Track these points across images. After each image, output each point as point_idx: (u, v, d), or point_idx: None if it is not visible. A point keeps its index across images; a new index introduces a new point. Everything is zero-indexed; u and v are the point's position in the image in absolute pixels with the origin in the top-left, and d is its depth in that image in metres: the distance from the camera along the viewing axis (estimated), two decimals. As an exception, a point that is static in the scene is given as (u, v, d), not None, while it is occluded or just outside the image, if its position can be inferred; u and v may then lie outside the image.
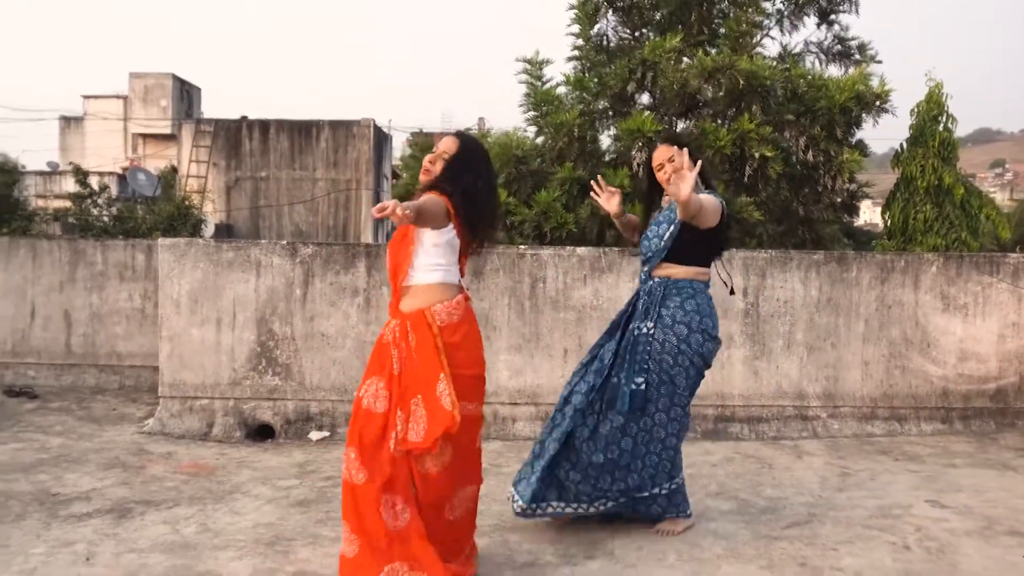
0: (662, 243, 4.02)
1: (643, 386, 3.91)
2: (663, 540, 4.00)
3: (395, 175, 33.16)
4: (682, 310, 3.97)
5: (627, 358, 3.96)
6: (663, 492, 4.04)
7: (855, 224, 10.86)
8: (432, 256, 3.43)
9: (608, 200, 4.29)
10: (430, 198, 3.35)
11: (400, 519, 3.27)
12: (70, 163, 16.43)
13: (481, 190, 3.54)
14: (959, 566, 3.71)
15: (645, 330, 3.95)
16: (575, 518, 4.15)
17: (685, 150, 4.01)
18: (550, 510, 4.07)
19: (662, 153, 4.11)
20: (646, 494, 4.01)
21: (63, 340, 7.92)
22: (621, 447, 3.95)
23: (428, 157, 3.61)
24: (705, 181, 4.17)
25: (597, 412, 3.98)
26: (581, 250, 6.26)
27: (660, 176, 4.11)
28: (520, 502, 4.04)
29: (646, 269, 4.13)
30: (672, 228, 4.00)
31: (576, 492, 4.02)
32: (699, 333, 3.97)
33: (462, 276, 3.57)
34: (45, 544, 3.86)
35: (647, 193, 4.36)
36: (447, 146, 3.59)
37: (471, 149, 3.61)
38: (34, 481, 4.88)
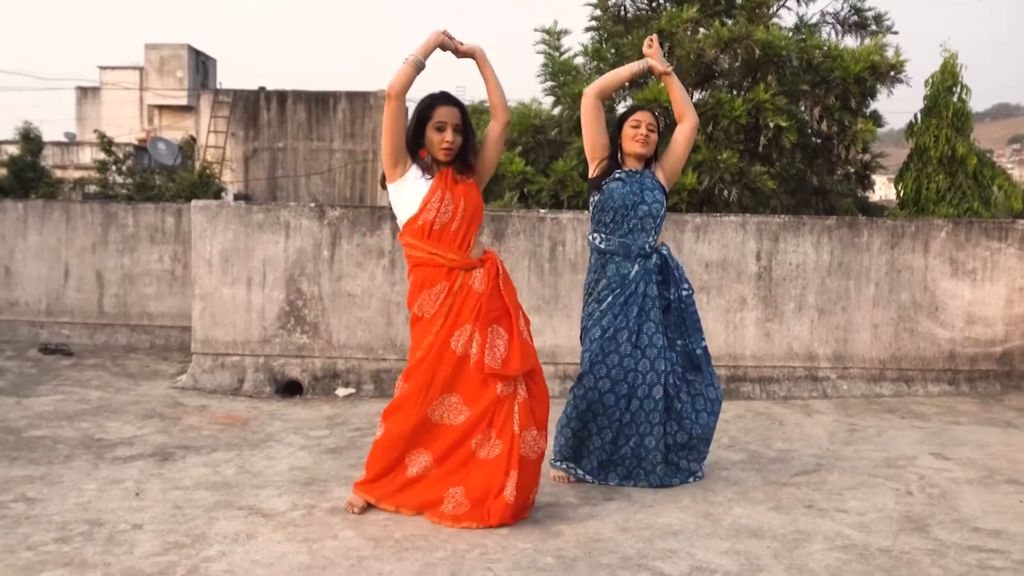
0: (663, 210, 4.27)
1: (704, 343, 4.34)
2: (678, 485, 4.22)
3: (411, 147, 33.26)
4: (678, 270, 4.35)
5: (685, 322, 4.26)
6: (697, 470, 4.37)
7: (869, 199, 10.97)
8: None
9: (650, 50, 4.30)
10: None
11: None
12: (95, 131, 16.69)
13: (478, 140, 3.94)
14: (959, 508, 3.92)
15: (685, 294, 4.26)
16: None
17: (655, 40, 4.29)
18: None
19: (648, 117, 4.26)
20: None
21: (96, 300, 8.18)
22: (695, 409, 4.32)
23: (446, 136, 3.67)
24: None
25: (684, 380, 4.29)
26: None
27: (631, 131, 4.22)
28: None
29: (654, 236, 4.24)
30: (661, 194, 4.26)
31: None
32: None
33: None
34: (95, 482, 4.11)
35: (612, 142, 4.35)
36: (457, 118, 3.72)
37: (466, 111, 3.84)
38: (78, 428, 5.14)
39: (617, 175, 4.22)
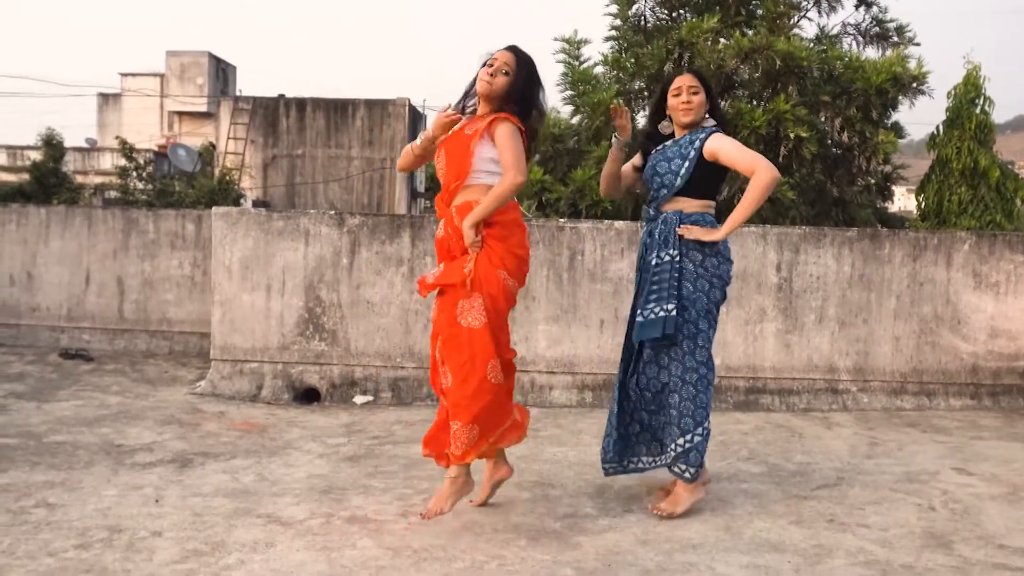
0: (677, 180, 3.93)
1: (674, 312, 3.85)
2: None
3: (429, 155, 33.29)
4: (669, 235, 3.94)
5: (652, 289, 3.90)
6: (677, 449, 3.93)
7: (889, 210, 10.91)
8: (490, 165, 3.72)
9: (621, 122, 4.07)
10: (510, 133, 3.66)
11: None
12: (116, 137, 16.84)
13: (542, 107, 3.85)
14: (982, 525, 3.87)
15: (668, 258, 3.90)
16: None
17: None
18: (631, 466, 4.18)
19: (686, 79, 3.97)
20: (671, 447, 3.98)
21: (116, 306, 8.22)
22: (660, 381, 3.98)
23: (486, 69, 3.71)
24: (713, 112, 4.06)
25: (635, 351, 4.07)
26: (619, 224, 6.43)
27: (673, 101, 3.98)
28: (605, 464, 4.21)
29: (655, 205, 4.03)
30: (688, 164, 3.91)
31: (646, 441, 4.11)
32: (714, 256, 3.94)
33: None
34: (115, 488, 4.12)
35: (652, 116, 4.20)
36: (507, 59, 3.73)
37: (531, 65, 3.79)
38: (98, 434, 5.16)
39: (667, 144, 4.06)
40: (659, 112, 4.15)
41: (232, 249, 6.49)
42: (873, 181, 9.62)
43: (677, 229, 3.91)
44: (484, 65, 3.76)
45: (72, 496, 3.98)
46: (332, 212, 6.57)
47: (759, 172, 3.79)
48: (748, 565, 3.36)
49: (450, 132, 3.82)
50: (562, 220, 6.55)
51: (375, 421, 5.76)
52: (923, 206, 10.13)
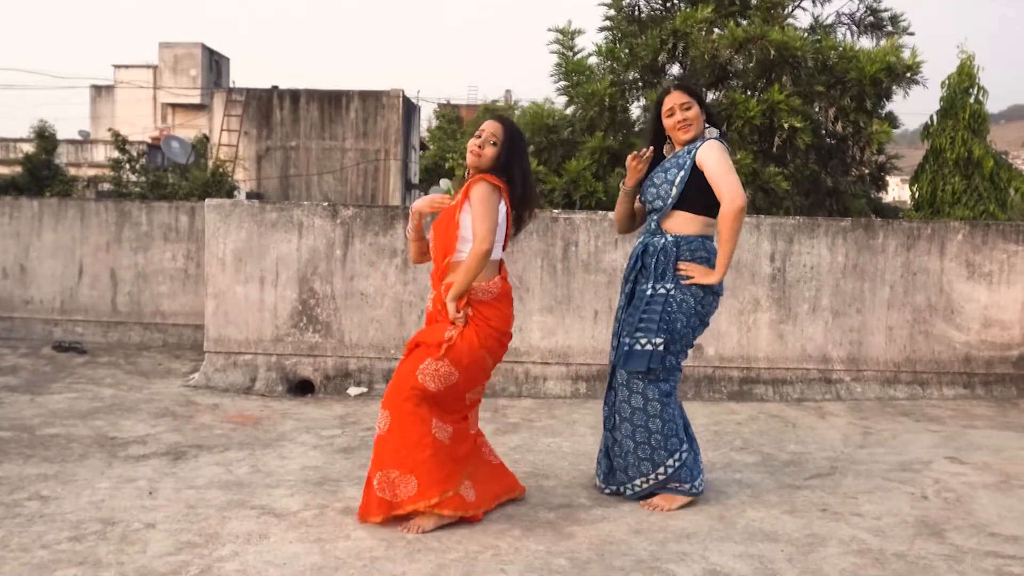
0: (673, 189, 3.84)
1: (661, 347, 3.81)
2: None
3: (423, 146, 33.30)
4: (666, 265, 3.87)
5: (643, 318, 3.84)
6: (668, 471, 3.88)
7: (883, 200, 10.91)
8: None
9: (637, 165, 3.99)
10: (485, 195, 3.59)
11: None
12: (109, 129, 16.77)
13: (530, 176, 3.82)
14: (975, 513, 3.89)
15: (663, 291, 3.83)
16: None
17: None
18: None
19: (675, 98, 3.90)
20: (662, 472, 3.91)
21: (109, 298, 8.21)
22: (632, 406, 3.91)
23: (475, 141, 3.72)
24: (711, 119, 4.00)
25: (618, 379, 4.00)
26: (613, 215, 6.40)
27: (668, 122, 3.92)
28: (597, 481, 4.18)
29: (655, 219, 3.93)
30: (683, 173, 3.83)
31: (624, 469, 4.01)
32: (712, 294, 3.88)
33: (503, 249, 3.81)
34: (109, 480, 4.12)
35: (651, 139, 4.10)
36: (494, 130, 3.73)
37: (518, 135, 3.79)
38: (92, 426, 5.15)
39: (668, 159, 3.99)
40: (657, 135, 4.08)
41: (225, 241, 6.48)
42: (867, 171, 9.62)
43: (676, 264, 3.84)
44: (473, 136, 3.78)
45: (66, 489, 3.97)
46: (325, 204, 6.56)
47: (723, 205, 3.74)
48: (741, 554, 3.37)
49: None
50: (556, 211, 6.54)
51: (369, 413, 5.75)
52: (917, 196, 10.14)
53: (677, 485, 3.90)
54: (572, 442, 5.06)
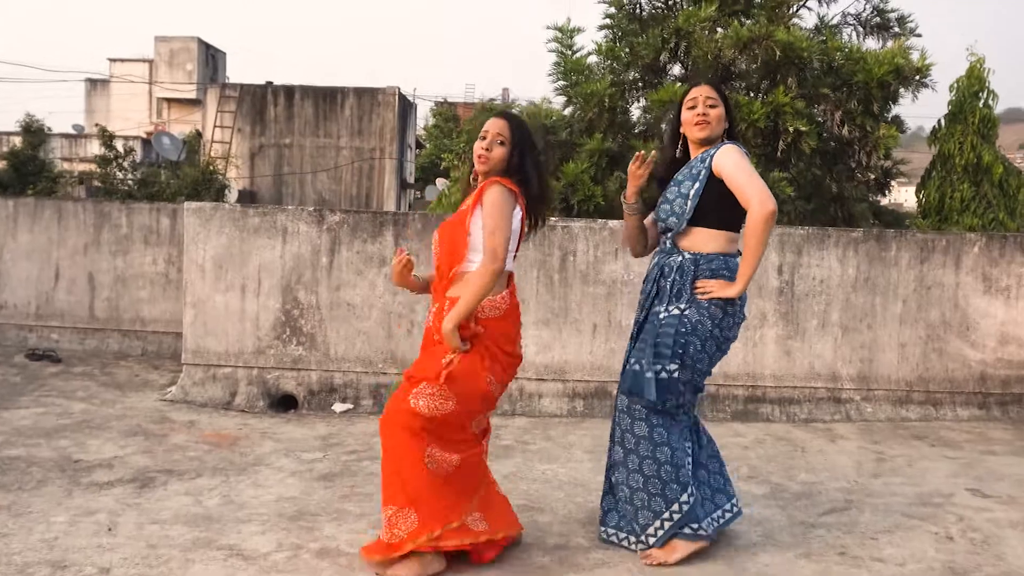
0: (687, 203, 3.46)
1: (676, 374, 3.40)
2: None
3: (419, 145, 33.00)
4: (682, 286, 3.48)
5: (656, 343, 3.43)
6: (684, 508, 3.46)
7: (880, 203, 10.60)
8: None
9: (638, 171, 3.57)
10: (501, 201, 3.25)
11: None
12: (96, 124, 16.42)
13: (545, 174, 3.45)
14: (1005, 558, 3.58)
15: (677, 312, 3.43)
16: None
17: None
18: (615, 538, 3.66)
19: (702, 91, 3.53)
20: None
21: (87, 303, 7.87)
22: (636, 434, 3.53)
23: (481, 144, 3.37)
24: (730, 133, 3.61)
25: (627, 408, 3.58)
26: (613, 223, 6.12)
27: (687, 114, 3.53)
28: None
29: (670, 236, 3.54)
30: (697, 185, 3.45)
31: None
32: (732, 316, 3.51)
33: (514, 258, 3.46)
34: (67, 512, 3.80)
35: (670, 141, 3.73)
36: (499, 128, 3.37)
37: (527, 130, 3.44)
38: (56, 447, 4.83)
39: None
40: (676, 137, 3.67)
41: (205, 247, 6.15)
42: (873, 176, 9.34)
43: (693, 283, 3.45)
44: (478, 139, 3.41)
45: (17, 523, 3.65)
46: (311, 208, 6.23)
47: (751, 210, 3.32)
48: (754, 608, 3.07)
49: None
50: (553, 218, 6.23)
51: (354, 432, 5.43)
52: (924, 203, 9.85)
53: (696, 527, 3.47)
54: (568, 469, 4.74)
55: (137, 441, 5.04)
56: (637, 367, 3.47)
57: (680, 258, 3.49)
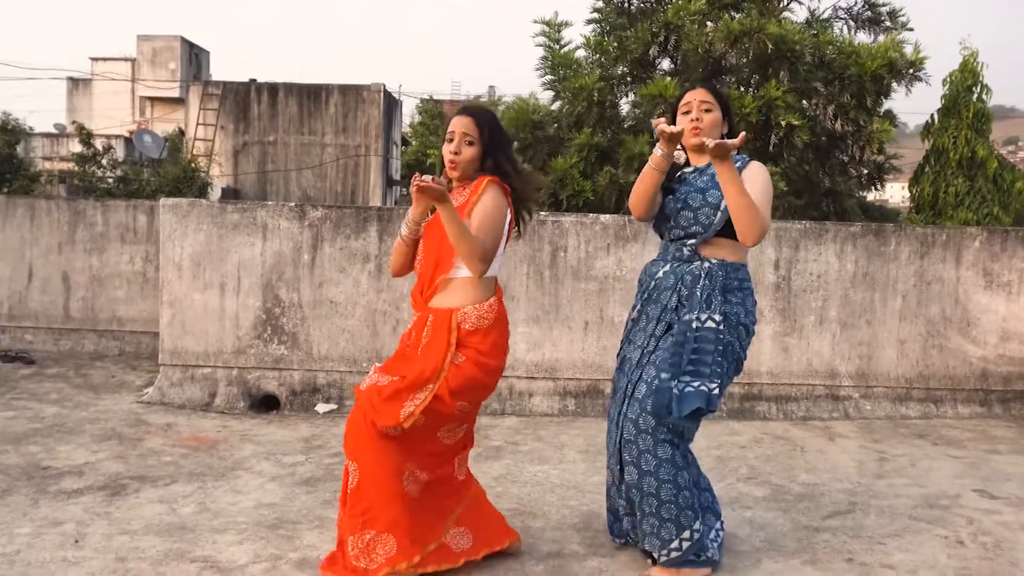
0: (717, 214, 3.23)
1: (716, 392, 3.16)
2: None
3: (405, 142, 32.74)
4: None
5: (692, 359, 3.18)
6: (695, 536, 3.21)
7: (867, 199, 10.46)
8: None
9: (667, 133, 3.16)
10: (496, 204, 3.09)
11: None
12: (73, 122, 16.12)
13: (520, 166, 3.26)
14: (1020, 564, 3.42)
15: (712, 325, 3.20)
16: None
17: (739, 137, 3.13)
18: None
19: (697, 95, 3.33)
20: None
21: (61, 303, 7.64)
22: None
23: (449, 147, 3.14)
24: (731, 130, 3.41)
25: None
26: (605, 218, 5.94)
27: (683, 119, 3.32)
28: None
29: (692, 245, 3.30)
30: (719, 192, 3.22)
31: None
32: (750, 336, 3.32)
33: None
34: (31, 523, 3.59)
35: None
36: (465, 127, 3.13)
37: (495, 123, 3.20)
38: (24, 453, 4.61)
39: (686, 171, 3.39)
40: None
41: (182, 244, 5.94)
42: (866, 171, 9.20)
43: (723, 291, 3.23)
44: (445, 141, 3.18)
45: (-21, 535, 3.44)
46: (292, 204, 6.03)
47: (749, 234, 3.12)
48: (761, 620, 2.89)
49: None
50: (543, 213, 6.05)
51: (338, 434, 5.23)
52: (918, 197, 9.73)
53: (700, 555, 3.22)
54: (561, 470, 4.56)
55: (110, 446, 4.82)
56: (667, 385, 3.17)
57: (708, 264, 3.27)
